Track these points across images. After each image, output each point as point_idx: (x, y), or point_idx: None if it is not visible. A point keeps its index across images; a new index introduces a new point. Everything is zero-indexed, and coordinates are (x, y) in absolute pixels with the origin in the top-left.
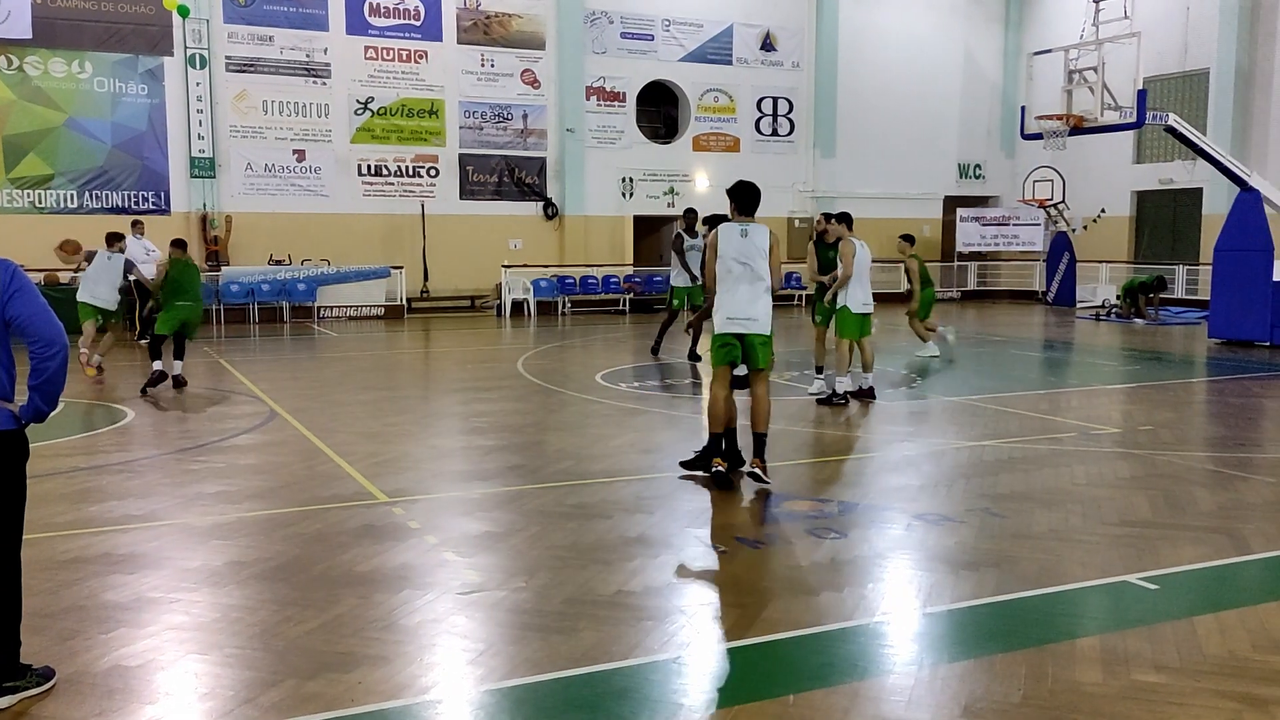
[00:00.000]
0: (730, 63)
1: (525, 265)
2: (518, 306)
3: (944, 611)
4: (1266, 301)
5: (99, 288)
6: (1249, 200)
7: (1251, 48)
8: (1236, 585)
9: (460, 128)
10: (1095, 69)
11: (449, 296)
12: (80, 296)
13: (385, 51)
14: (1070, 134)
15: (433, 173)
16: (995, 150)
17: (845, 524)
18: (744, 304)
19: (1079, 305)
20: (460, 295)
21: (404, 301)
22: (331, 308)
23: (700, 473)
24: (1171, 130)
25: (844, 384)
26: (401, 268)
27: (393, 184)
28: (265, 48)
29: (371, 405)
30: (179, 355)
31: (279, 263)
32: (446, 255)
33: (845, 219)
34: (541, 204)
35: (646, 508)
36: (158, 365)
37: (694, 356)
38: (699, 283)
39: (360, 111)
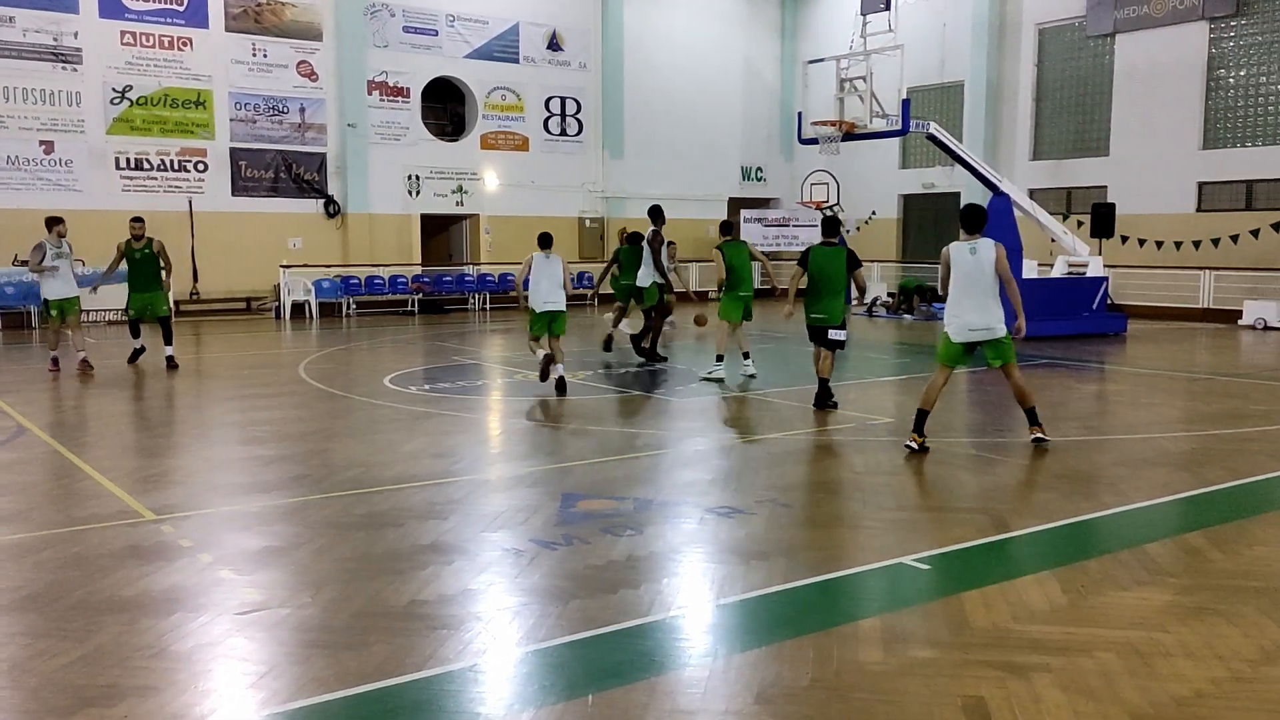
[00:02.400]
0: (517, 61)
1: (306, 265)
2: (299, 308)
3: (736, 602)
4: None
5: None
6: (1000, 204)
7: (1000, 63)
8: (998, 561)
9: (231, 120)
10: (864, 78)
11: (222, 299)
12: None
13: (145, 37)
14: (843, 139)
15: (201, 167)
16: (775, 154)
17: (640, 521)
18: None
19: (852, 302)
20: (235, 297)
21: (171, 304)
22: (89, 311)
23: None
24: (932, 138)
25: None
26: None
27: (156, 179)
28: (5, 29)
29: (136, 417)
30: None
31: (24, 264)
32: (218, 255)
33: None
34: (322, 201)
35: (440, 513)
36: None
37: (643, 351)
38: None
39: (118, 101)
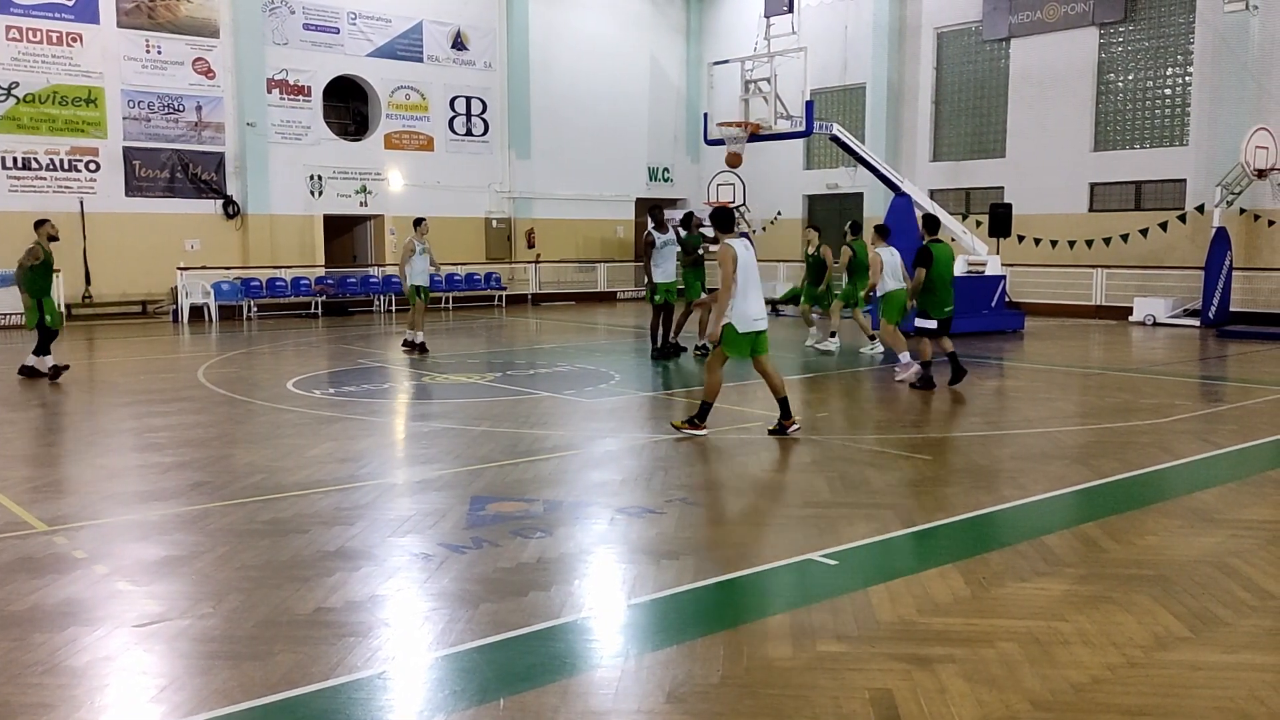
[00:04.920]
0: (421, 60)
1: (204, 267)
2: (197, 311)
3: (647, 601)
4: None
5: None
6: (902, 204)
7: (900, 66)
8: (903, 555)
9: (124, 118)
10: (768, 80)
11: (116, 302)
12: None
13: (31, 33)
14: (749, 140)
15: (92, 166)
16: (682, 155)
17: (551, 522)
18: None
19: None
20: (130, 300)
21: (63, 308)
22: None
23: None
24: (836, 139)
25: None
26: (58, 271)
27: (45, 178)
28: None
29: (24, 425)
30: None
31: None
32: (112, 257)
33: (881, 231)
34: (221, 202)
35: (346, 519)
36: None
37: (673, 347)
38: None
39: (3, 98)
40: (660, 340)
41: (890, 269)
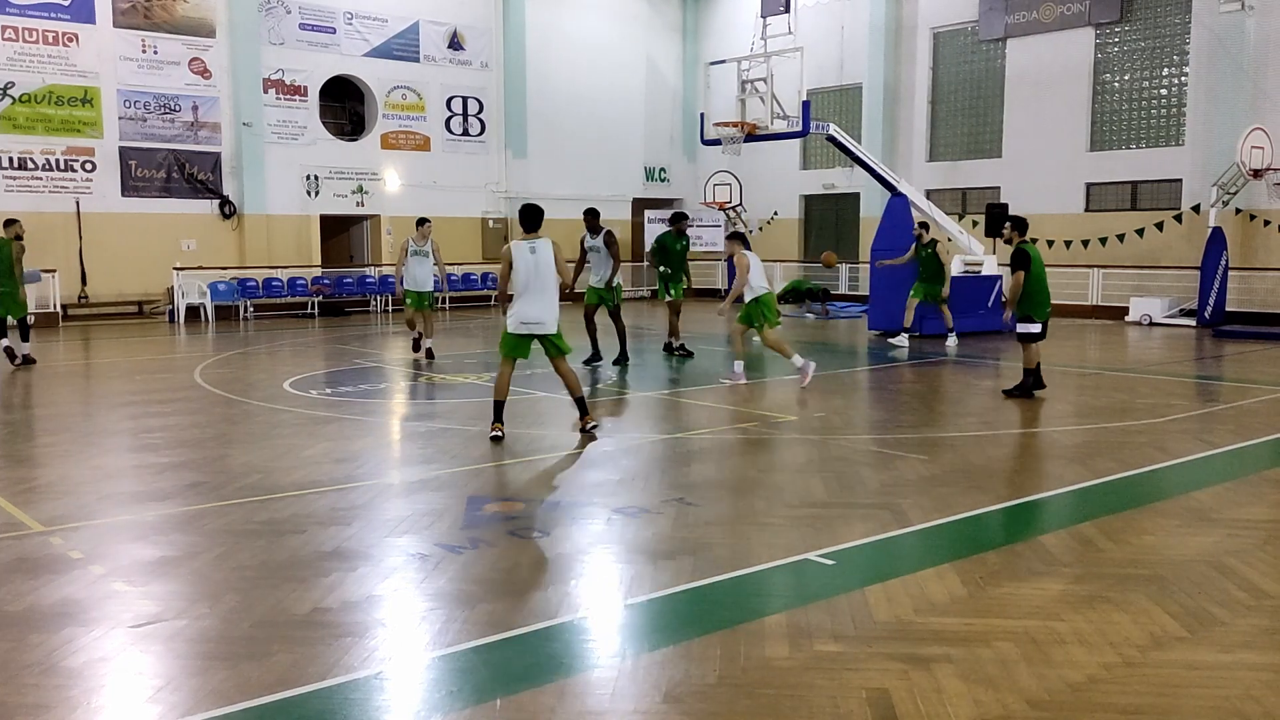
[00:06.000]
0: (418, 60)
1: (200, 267)
2: (193, 311)
3: (644, 601)
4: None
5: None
6: (899, 204)
7: (896, 66)
8: (899, 555)
9: (120, 118)
10: (765, 80)
11: (112, 302)
12: None
13: (28, 32)
14: (745, 140)
15: (89, 167)
16: (678, 154)
17: (548, 523)
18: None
19: None
20: (126, 300)
21: (58, 308)
22: None
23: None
24: (832, 139)
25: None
26: (54, 271)
27: (41, 178)
28: None
29: (21, 425)
30: None
31: None
32: (108, 257)
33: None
34: (217, 202)
35: (343, 519)
36: None
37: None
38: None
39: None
40: (594, 346)
41: (758, 272)
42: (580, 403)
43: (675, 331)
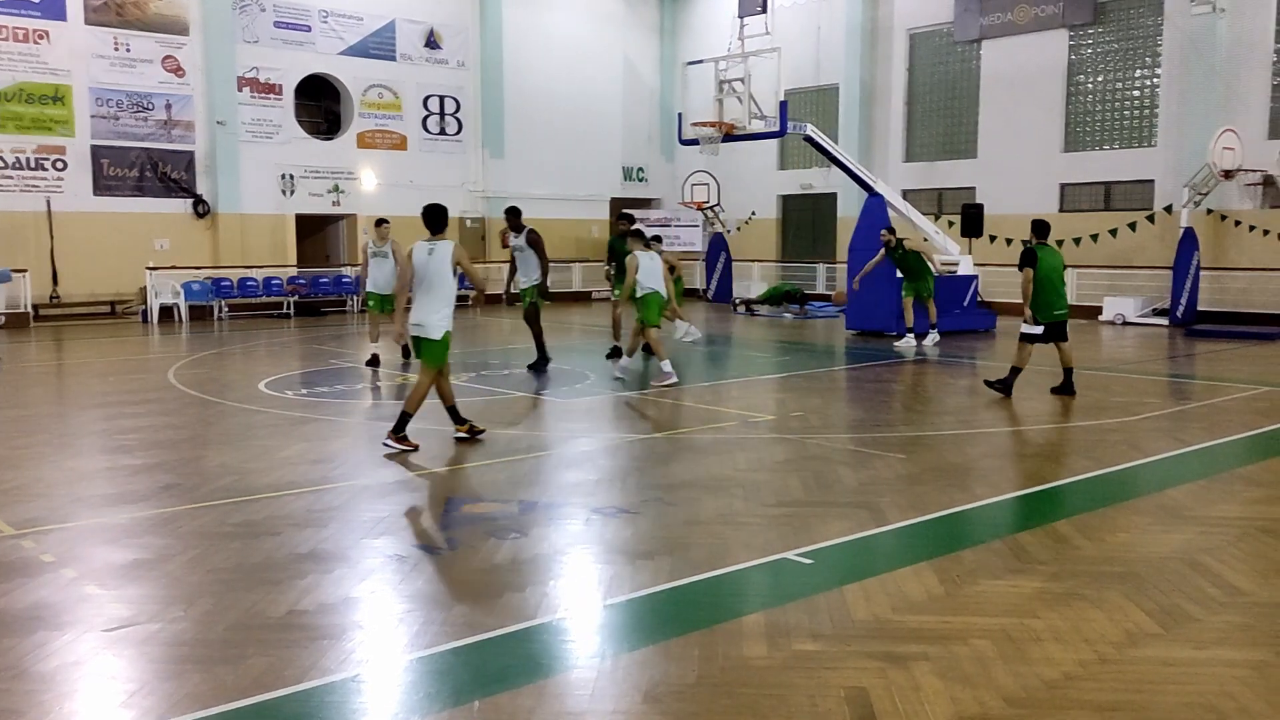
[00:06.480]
0: (394, 59)
1: (174, 267)
2: (167, 311)
3: (623, 602)
4: (893, 296)
5: None
6: (875, 204)
7: (872, 66)
8: (877, 554)
9: (92, 117)
10: (742, 80)
11: (85, 302)
12: None
13: None
14: (723, 140)
15: (60, 165)
16: (656, 154)
17: (526, 523)
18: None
19: (736, 300)
20: (98, 300)
21: (29, 308)
22: None
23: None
24: (809, 139)
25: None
26: (25, 271)
27: (12, 177)
28: None
29: None
30: None
31: None
32: (80, 257)
33: None
34: (191, 201)
35: (319, 521)
36: None
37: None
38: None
39: None
40: (540, 349)
41: (647, 272)
42: (451, 411)
43: (618, 332)
